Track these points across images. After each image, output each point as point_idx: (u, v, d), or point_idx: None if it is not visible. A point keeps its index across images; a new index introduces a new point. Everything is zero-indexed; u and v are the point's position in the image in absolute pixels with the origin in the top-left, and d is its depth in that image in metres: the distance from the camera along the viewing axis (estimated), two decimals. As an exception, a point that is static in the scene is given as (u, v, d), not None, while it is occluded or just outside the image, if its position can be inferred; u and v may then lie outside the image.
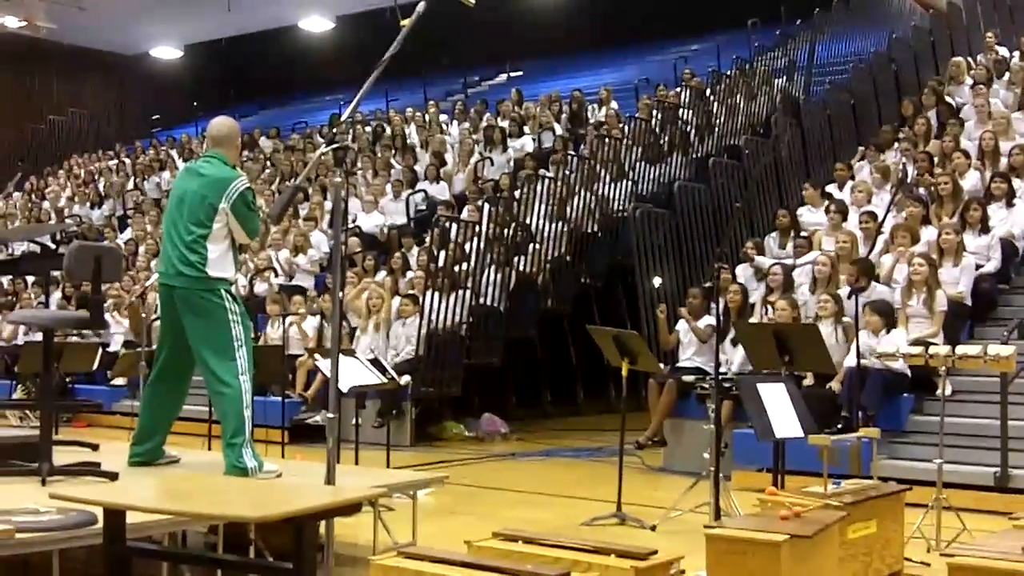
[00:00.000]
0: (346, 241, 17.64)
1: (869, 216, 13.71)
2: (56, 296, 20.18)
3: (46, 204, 28.99)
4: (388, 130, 25.56)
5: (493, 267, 17.02)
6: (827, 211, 14.89)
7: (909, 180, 15.10)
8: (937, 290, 11.85)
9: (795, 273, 13.53)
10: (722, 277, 12.62)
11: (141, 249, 22.19)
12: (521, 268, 17.54)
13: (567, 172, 18.74)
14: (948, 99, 18.07)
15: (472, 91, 31.24)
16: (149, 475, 7.47)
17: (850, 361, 10.96)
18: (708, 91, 21.80)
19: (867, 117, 20.26)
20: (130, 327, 18.49)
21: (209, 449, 8.24)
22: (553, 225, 18.10)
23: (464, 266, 16.72)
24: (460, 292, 16.33)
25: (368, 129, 26.11)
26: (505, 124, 23.13)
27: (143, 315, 16.13)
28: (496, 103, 25.55)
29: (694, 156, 20.60)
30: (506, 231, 17.58)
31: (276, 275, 18.93)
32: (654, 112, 20.68)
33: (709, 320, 13.21)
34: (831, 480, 7.66)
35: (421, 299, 15.87)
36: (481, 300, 16.78)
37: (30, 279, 21.34)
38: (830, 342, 11.46)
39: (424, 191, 21.06)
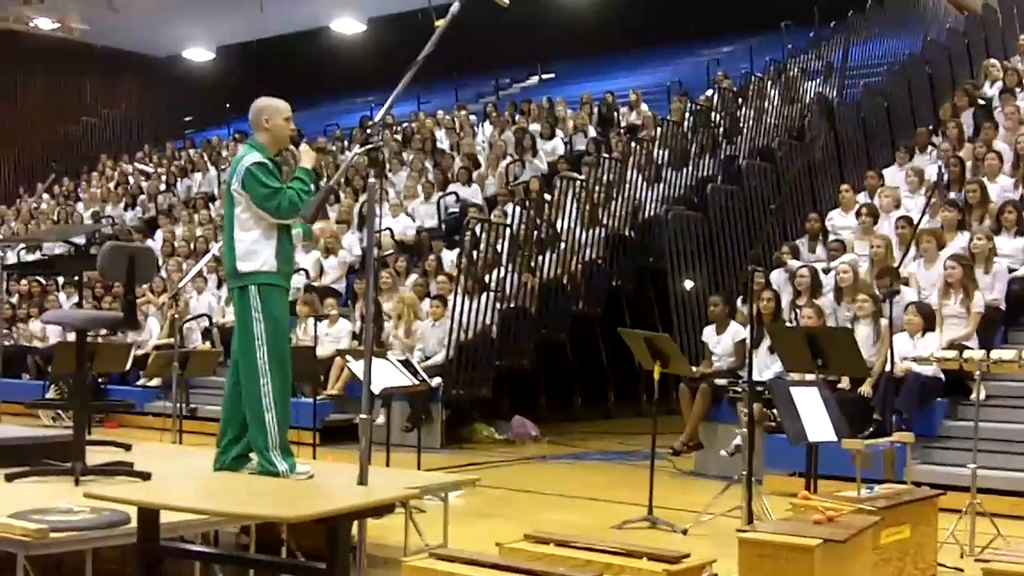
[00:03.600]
0: (379, 243, 17.66)
1: (905, 221, 13.62)
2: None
3: (79, 205, 29.11)
4: (419, 132, 25.58)
5: (524, 269, 17.00)
6: (858, 215, 14.81)
7: (942, 184, 15.01)
8: (975, 291, 11.78)
9: (825, 277, 13.48)
10: (754, 281, 12.61)
11: (172, 250, 22.27)
12: (552, 271, 17.51)
13: (599, 175, 18.70)
14: (982, 102, 17.95)
15: (503, 93, 31.21)
16: (182, 475, 7.48)
17: (885, 366, 10.95)
18: (741, 93, 21.76)
19: (901, 120, 20.17)
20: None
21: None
22: (584, 228, 18.07)
23: (495, 269, 16.69)
24: (490, 295, 16.31)
25: (399, 131, 26.13)
26: (536, 127, 23.10)
27: (176, 316, 16.14)
28: (522, 103, 25.59)
29: (726, 158, 20.56)
30: (537, 234, 17.56)
31: (307, 276, 18.93)
32: (686, 114, 20.63)
33: (736, 328, 13.20)
34: (864, 485, 7.63)
35: (452, 302, 15.86)
36: (511, 303, 16.77)
37: (61, 280, 21.42)
38: (867, 343, 11.45)
39: (456, 194, 21.05)
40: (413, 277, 17.67)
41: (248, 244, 7.63)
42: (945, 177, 15.06)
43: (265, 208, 7.54)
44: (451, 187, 21.32)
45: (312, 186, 7.81)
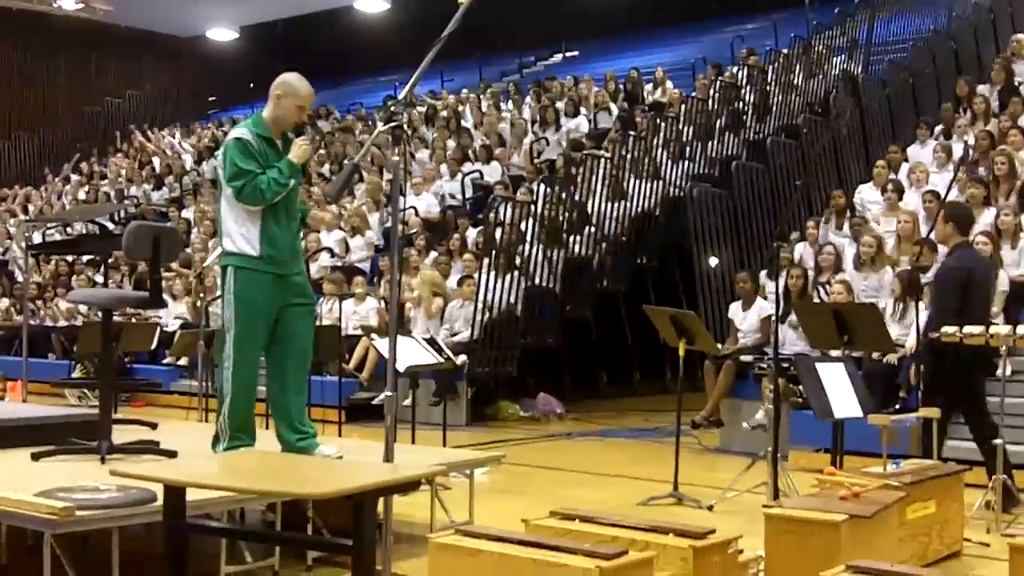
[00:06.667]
0: (404, 221, 17.67)
1: (932, 195, 13.57)
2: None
3: (104, 185, 29.18)
4: (443, 111, 25.57)
5: (548, 247, 16.98)
6: (884, 191, 14.77)
7: (969, 159, 14.94)
8: (999, 269, 11.73)
9: (849, 253, 13.48)
10: (781, 257, 12.61)
11: (197, 229, 22.31)
12: (577, 248, 17.49)
13: (623, 152, 18.67)
14: (1011, 77, 17.85)
15: (527, 71, 31.16)
16: (208, 453, 7.49)
17: (911, 341, 10.92)
18: (766, 70, 21.69)
19: (926, 96, 20.10)
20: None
21: (267, 428, 8.22)
22: (609, 205, 18.05)
23: (520, 247, 16.67)
24: (515, 272, 16.30)
25: (423, 110, 26.12)
26: (560, 105, 23.04)
27: (200, 296, 16.17)
28: (546, 81, 25.58)
29: (751, 135, 20.51)
30: (562, 211, 17.54)
31: (331, 255, 18.94)
32: (711, 91, 20.57)
33: (761, 305, 13.19)
34: (890, 460, 7.63)
35: (477, 279, 15.86)
36: (536, 280, 16.75)
37: (87, 259, 21.48)
38: (893, 319, 11.44)
39: (479, 172, 21.03)
40: (433, 255, 17.67)
41: (230, 224, 7.45)
42: (972, 152, 15.00)
43: (230, 186, 7.34)
44: (475, 165, 21.29)
45: (291, 181, 7.46)
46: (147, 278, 7.88)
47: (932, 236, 10.82)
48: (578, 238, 17.55)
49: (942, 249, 12.31)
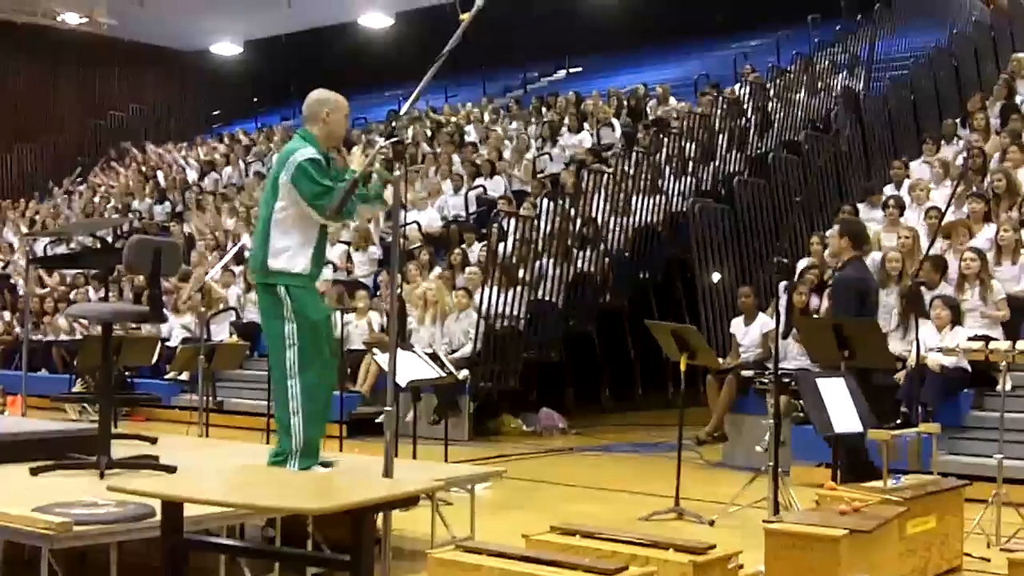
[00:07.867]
0: (405, 236, 17.68)
1: (936, 211, 13.57)
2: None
3: (107, 198, 29.18)
4: (447, 125, 25.59)
5: (551, 262, 16.98)
6: (885, 206, 14.76)
7: (968, 175, 14.95)
8: (991, 280, 11.73)
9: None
10: (784, 272, 12.68)
11: (198, 244, 22.32)
12: (579, 263, 17.49)
13: (626, 168, 18.67)
14: (1012, 95, 17.88)
15: (531, 87, 31.22)
16: (207, 468, 7.48)
17: (912, 357, 10.91)
18: (768, 86, 21.72)
19: (927, 113, 20.15)
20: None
21: (267, 443, 8.20)
22: (612, 220, 18.05)
23: (524, 261, 16.66)
24: (518, 287, 16.29)
25: (427, 124, 26.15)
26: (565, 119, 23.07)
27: (202, 310, 16.17)
28: (549, 97, 25.63)
29: (753, 151, 20.53)
30: (565, 226, 17.54)
31: (335, 270, 18.92)
32: (714, 108, 20.59)
33: (763, 320, 13.19)
34: (891, 475, 7.63)
35: (480, 293, 15.84)
36: (539, 295, 16.75)
37: (92, 273, 21.48)
38: (897, 335, 11.45)
39: (483, 186, 21.04)
40: (437, 270, 17.66)
41: (285, 242, 7.42)
42: (967, 167, 15.02)
43: (314, 206, 7.32)
44: (478, 180, 21.30)
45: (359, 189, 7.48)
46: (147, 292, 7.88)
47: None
48: (582, 253, 17.53)
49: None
